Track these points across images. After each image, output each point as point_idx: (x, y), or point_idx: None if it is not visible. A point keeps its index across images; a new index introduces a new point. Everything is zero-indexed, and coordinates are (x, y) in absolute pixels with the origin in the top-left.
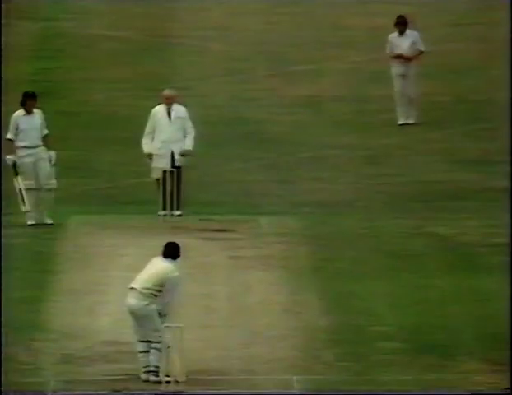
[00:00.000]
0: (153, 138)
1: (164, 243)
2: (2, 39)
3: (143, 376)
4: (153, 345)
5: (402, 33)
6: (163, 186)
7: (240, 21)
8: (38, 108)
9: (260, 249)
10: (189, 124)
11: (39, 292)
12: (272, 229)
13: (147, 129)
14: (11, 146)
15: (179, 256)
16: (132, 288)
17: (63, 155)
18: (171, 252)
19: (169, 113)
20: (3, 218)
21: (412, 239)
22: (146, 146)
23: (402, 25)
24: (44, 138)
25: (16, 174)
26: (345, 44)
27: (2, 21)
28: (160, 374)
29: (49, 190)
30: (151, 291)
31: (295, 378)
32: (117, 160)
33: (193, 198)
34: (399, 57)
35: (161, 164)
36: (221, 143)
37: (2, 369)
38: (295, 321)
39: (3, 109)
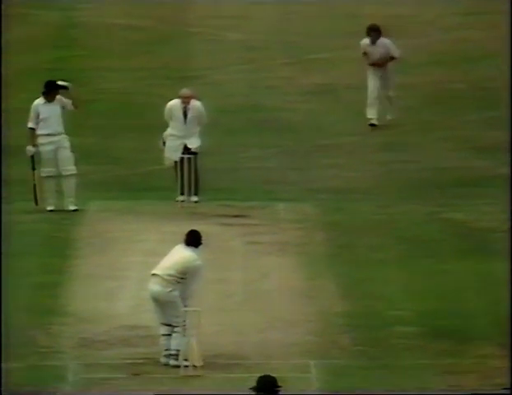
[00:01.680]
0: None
1: (186, 231)
2: (21, 29)
3: (163, 359)
4: (175, 329)
5: (374, 42)
6: (180, 172)
7: (257, 10)
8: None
9: (277, 235)
10: (204, 120)
11: (58, 277)
12: (288, 215)
13: (166, 120)
14: (33, 134)
15: (200, 244)
16: (154, 274)
17: (81, 142)
18: (193, 240)
19: (185, 113)
20: (22, 203)
21: (428, 225)
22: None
23: (374, 33)
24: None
25: (33, 168)
26: (361, 33)
27: (21, 11)
28: (180, 358)
29: (70, 176)
30: (174, 278)
31: (312, 362)
32: (134, 147)
33: (211, 185)
34: (373, 64)
35: (173, 156)
36: (237, 131)
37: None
38: (312, 306)
39: (24, 96)
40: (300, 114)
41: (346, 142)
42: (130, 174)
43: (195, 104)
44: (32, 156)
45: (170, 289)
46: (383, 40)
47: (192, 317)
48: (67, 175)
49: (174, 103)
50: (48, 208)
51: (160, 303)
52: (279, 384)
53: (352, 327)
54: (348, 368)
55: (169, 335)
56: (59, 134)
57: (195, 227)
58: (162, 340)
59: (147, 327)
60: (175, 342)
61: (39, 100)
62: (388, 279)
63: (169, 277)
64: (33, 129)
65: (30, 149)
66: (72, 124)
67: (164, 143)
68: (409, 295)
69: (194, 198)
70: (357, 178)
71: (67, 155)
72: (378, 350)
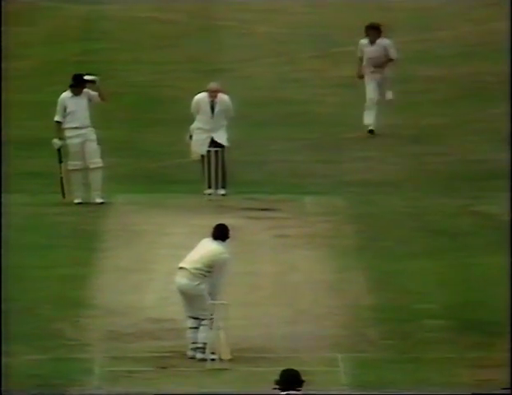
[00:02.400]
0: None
1: (213, 224)
2: (49, 22)
3: (189, 353)
4: (203, 322)
5: (372, 42)
6: (207, 165)
7: (285, 3)
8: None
9: (305, 228)
10: (231, 114)
11: (86, 269)
12: (316, 208)
13: (193, 113)
14: (59, 128)
15: (228, 238)
16: (181, 268)
17: (109, 135)
18: (221, 233)
19: (212, 107)
20: (50, 196)
21: (458, 218)
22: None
23: (373, 32)
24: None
25: (60, 161)
26: (389, 25)
27: (50, 4)
28: (207, 351)
29: (97, 169)
30: (201, 271)
31: (339, 355)
32: (162, 140)
33: (238, 178)
34: (369, 66)
35: (200, 149)
36: (265, 123)
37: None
38: (340, 299)
39: (52, 88)
40: (329, 107)
41: (375, 135)
42: (157, 167)
43: (222, 97)
44: (59, 149)
45: (198, 282)
46: (382, 40)
47: (219, 310)
48: (94, 168)
49: (202, 96)
50: (76, 201)
51: (187, 296)
52: (302, 378)
53: (381, 320)
54: (376, 361)
55: (197, 328)
56: (86, 127)
57: (222, 221)
58: (189, 333)
59: (174, 320)
60: (202, 335)
61: (66, 94)
62: (418, 272)
63: (196, 271)
64: (59, 123)
65: (56, 142)
66: (100, 117)
67: (190, 137)
68: (438, 288)
69: (221, 191)
70: (387, 170)
71: (93, 147)
72: (406, 343)
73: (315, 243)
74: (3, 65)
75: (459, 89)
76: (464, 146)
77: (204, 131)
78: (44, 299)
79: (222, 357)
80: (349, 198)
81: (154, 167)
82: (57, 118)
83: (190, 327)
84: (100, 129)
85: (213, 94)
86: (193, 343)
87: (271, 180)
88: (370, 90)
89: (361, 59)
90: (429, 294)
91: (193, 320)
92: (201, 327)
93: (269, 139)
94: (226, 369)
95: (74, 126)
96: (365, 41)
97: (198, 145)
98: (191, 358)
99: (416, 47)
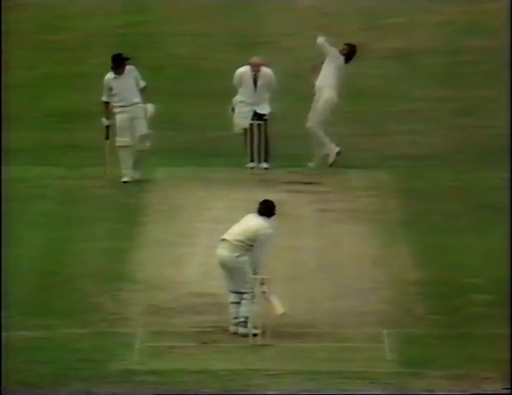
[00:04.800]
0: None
1: (255, 199)
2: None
3: (232, 328)
4: (244, 295)
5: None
6: (250, 138)
7: None
8: (130, 64)
9: (349, 203)
10: (273, 87)
11: (127, 243)
12: (361, 182)
13: (236, 86)
14: (107, 107)
15: (274, 214)
16: (223, 240)
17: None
18: (267, 209)
19: (255, 81)
20: (92, 169)
21: (506, 192)
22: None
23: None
24: (142, 91)
25: (107, 137)
26: None
27: None
28: (249, 326)
29: (143, 136)
30: (242, 244)
31: (385, 331)
32: (203, 112)
33: (281, 151)
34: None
35: (242, 122)
36: (309, 97)
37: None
38: (386, 274)
39: (95, 61)
40: (375, 80)
41: (422, 108)
42: (199, 140)
43: (265, 71)
44: (107, 127)
45: (238, 254)
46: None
47: (262, 285)
48: (140, 149)
49: (245, 70)
50: (124, 179)
51: (227, 269)
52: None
53: (427, 295)
54: (422, 337)
55: (238, 303)
56: (134, 104)
57: (265, 195)
58: (231, 308)
59: (216, 295)
60: (244, 309)
61: (110, 75)
62: (465, 246)
63: (237, 243)
64: (107, 103)
65: (104, 121)
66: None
67: (233, 109)
68: (486, 262)
69: (264, 165)
70: (433, 144)
71: (143, 127)
72: (453, 318)
73: (360, 217)
74: (46, 37)
75: (506, 60)
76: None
77: (247, 104)
78: (84, 272)
79: (278, 312)
80: (394, 172)
81: (195, 140)
82: (104, 99)
83: (232, 302)
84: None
85: (256, 68)
86: (235, 318)
87: (314, 154)
88: None
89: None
90: (476, 268)
91: (234, 295)
92: (242, 302)
93: None
94: (269, 345)
95: (120, 104)
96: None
97: (241, 118)
98: (233, 333)
99: (465, 18)
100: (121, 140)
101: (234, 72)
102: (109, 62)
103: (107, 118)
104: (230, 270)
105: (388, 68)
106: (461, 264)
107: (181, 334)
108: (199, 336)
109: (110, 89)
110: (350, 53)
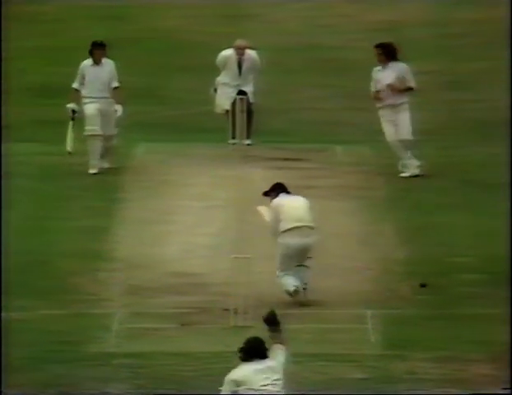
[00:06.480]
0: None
1: (236, 175)
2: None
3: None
4: (306, 264)
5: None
6: (232, 114)
7: None
8: (108, 57)
9: (335, 179)
10: (258, 69)
11: (106, 221)
12: (348, 158)
13: (219, 66)
14: (76, 95)
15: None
16: (298, 227)
17: (131, 81)
18: (285, 188)
19: (239, 65)
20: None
21: (494, 168)
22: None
23: (382, 51)
24: (114, 90)
25: (72, 119)
26: None
27: None
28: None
29: (110, 136)
30: (313, 224)
31: (369, 312)
32: (186, 87)
33: (266, 126)
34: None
35: (224, 104)
36: (295, 70)
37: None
38: (371, 252)
39: (75, 34)
40: (362, 53)
41: None
42: (181, 115)
43: (250, 54)
44: (73, 111)
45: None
46: (396, 64)
47: (241, 264)
48: (107, 135)
49: (229, 54)
50: (91, 171)
51: (305, 251)
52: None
53: (413, 274)
54: (408, 318)
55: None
56: (103, 98)
57: (249, 172)
58: (292, 280)
59: (197, 275)
60: (308, 275)
61: (87, 62)
62: (452, 224)
63: (313, 224)
64: (77, 90)
65: (69, 106)
66: (122, 63)
67: (215, 90)
68: (474, 240)
69: (247, 141)
70: (421, 118)
71: (110, 121)
72: (439, 298)
73: (346, 194)
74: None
75: (499, 32)
76: (504, 92)
77: (230, 86)
78: (62, 251)
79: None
80: (381, 148)
81: (178, 115)
82: (74, 85)
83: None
84: (122, 76)
85: (241, 51)
86: (305, 283)
87: (300, 129)
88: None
89: (377, 95)
90: (464, 246)
91: (296, 268)
92: (304, 269)
93: (299, 86)
94: (251, 327)
95: (89, 95)
96: (377, 68)
97: (224, 99)
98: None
99: None
100: (90, 129)
101: (218, 44)
102: (90, 36)
103: (74, 104)
104: (307, 251)
105: (376, 41)
106: (447, 242)
107: (161, 315)
108: (179, 318)
109: (83, 76)
110: (387, 52)
